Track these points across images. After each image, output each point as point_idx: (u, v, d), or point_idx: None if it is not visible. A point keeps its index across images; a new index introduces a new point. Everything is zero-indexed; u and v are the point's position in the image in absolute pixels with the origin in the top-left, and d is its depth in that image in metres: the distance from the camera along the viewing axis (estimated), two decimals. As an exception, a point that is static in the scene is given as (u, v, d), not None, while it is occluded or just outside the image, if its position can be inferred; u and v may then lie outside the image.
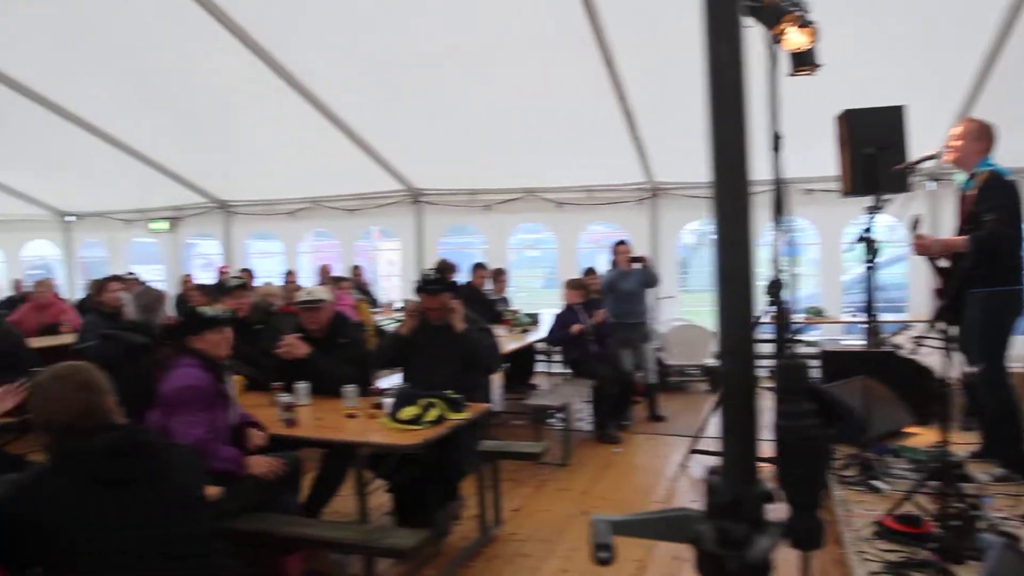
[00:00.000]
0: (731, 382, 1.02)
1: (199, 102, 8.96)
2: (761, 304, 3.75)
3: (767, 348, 5.81)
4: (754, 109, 1.07)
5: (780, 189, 2.80)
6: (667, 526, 1.22)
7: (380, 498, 4.81)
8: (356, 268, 11.07)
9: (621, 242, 7.86)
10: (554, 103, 7.98)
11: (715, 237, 0.99)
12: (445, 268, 8.26)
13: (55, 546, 2.09)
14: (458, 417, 4.10)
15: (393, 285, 14.53)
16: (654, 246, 9.71)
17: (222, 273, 11.59)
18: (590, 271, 7.96)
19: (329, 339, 4.72)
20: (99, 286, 7.03)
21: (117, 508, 2.15)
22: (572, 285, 7.29)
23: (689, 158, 8.68)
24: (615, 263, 7.71)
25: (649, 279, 7.66)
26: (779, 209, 2.77)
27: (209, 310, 3.77)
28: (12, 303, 9.71)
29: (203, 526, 2.35)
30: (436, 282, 4.87)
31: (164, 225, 12.58)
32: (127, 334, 4.02)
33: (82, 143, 9.85)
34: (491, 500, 4.83)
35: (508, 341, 7.33)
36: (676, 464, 6.14)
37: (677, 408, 8.11)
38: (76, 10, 7.14)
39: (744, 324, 1.01)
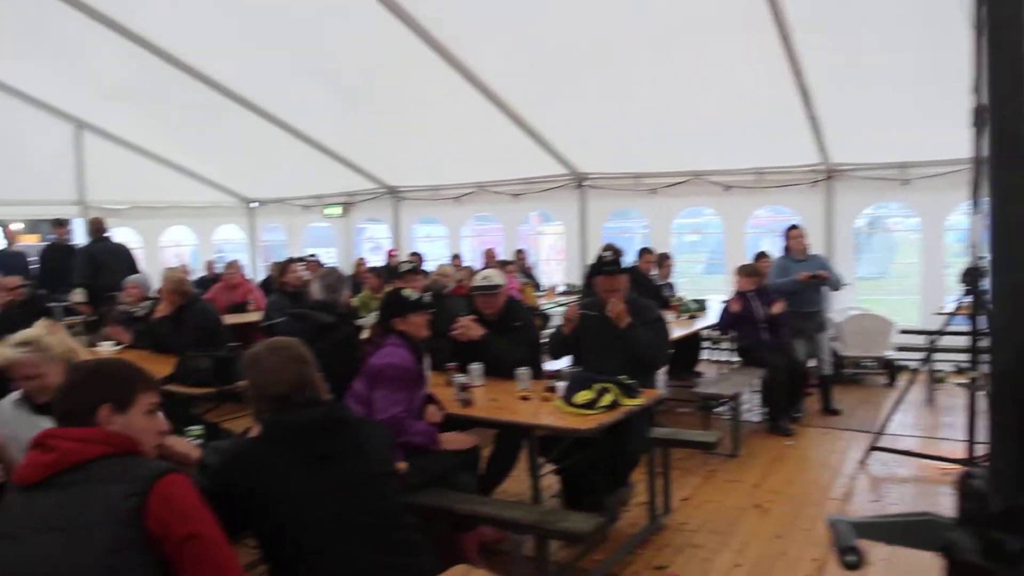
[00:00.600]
0: (1006, 380, 0.92)
1: (372, 92, 9.34)
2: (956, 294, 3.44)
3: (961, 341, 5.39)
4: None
5: (979, 168, 2.55)
6: (910, 531, 1.12)
7: (547, 480, 4.85)
8: (520, 252, 11.20)
9: (794, 227, 7.49)
10: (725, 82, 7.73)
11: (992, 220, 0.89)
12: (616, 252, 8.18)
13: (264, 514, 2.22)
14: (632, 403, 4.05)
15: (554, 269, 14.63)
16: (828, 231, 9.23)
17: (391, 256, 12.06)
18: (762, 256, 7.65)
19: (502, 322, 4.78)
20: (282, 268, 7.46)
21: (321, 481, 2.26)
22: (744, 271, 7.02)
23: (870, 138, 8.32)
24: (788, 249, 7.37)
25: (832, 283, 7.22)
26: (977, 190, 2.52)
27: (413, 293, 3.92)
28: (205, 283, 10.48)
29: (396, 500, 2.44)
30: (615, 263, 4.79)
31: (337, 210, 13.22)
32: (315, 313, 4.23)
33: (265, 134, 10.52)
34: (661, 488, 4.76)
35: (675, 327, 7.18)
36: (854, 461, 5.83)
37: (853, 402, 7.69)
38: (264, 9, 7.60)
39: (1020, 317, 0.91)
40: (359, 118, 10.24)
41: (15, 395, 3.00)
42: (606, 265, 4.77)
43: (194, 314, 6.16)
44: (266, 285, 10.62)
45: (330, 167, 11.68)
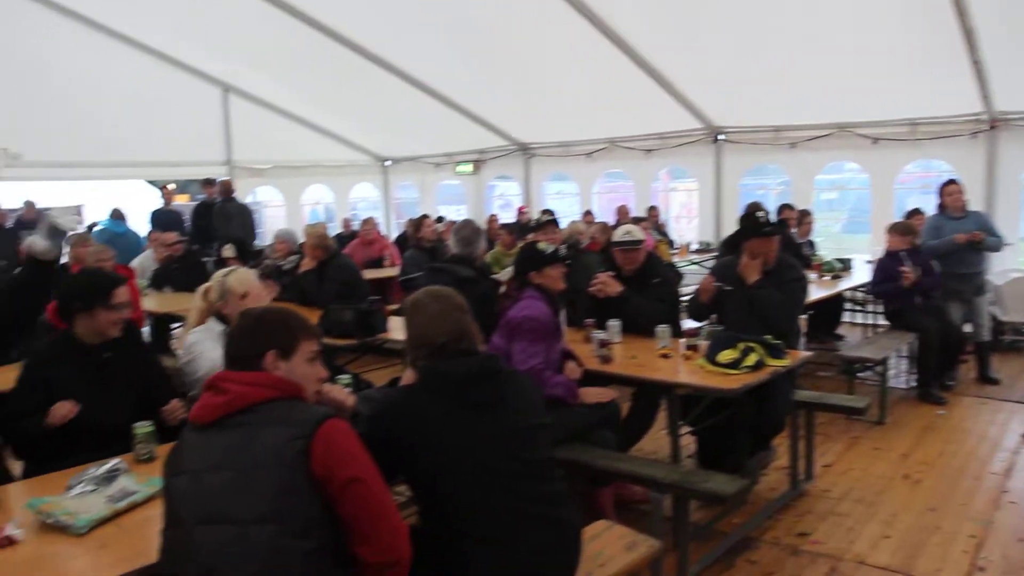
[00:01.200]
0: None
1: (505, 48, 9.31)
2: None
3: None
4: None
5: None
6: None
7: (682, 440, 4.77)
8: (652, 209, 10.97)
9: (951, 182, 6.94)
10: (875, 25, 7.22)
11: None
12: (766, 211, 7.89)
13: (418, 461, 2.26)
14: (778, 364, 3.91)
15: (684, 227, 14.32)
16: (989, 187, 8.54)
17: (521, 213, 12.10)
18: (915, 212, 7.18)
19: (641, 278, 4.70)
20: (418, 223, 7.58)
21: (474, 430, 2.28)
22: (897, 229, 6.59)
23: (1041, 83, 7.60)
24: (943, 206, 6.85)
25: (992, 245, 6.66)
26: None
27: (549, 246, 3.90)
28: (342, 240, 10.81)
29: (547, 452, 2.44)
30: (774, 225, 4.60)
31: (469, 168, 13.34)
32: (453, 267, 4.28)
33: (400, 93, 10.69)
34: (803, 453, 4.60)
35: (817, 287, 6.88)
36: (1016, 434, 5.44)
37: (1013, 371, 7.17)
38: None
39: None
40: (492, 75, 10.24)
41: (215, 325, 3.36)
42: (764, 226, 4.56)
43: (335, 268, 6.39)
44: (401, 241, 10.89)
45: (462, 124, 11.78)
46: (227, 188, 10.73)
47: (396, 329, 5.38)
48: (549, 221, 5.57)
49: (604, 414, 3.83)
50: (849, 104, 8.86)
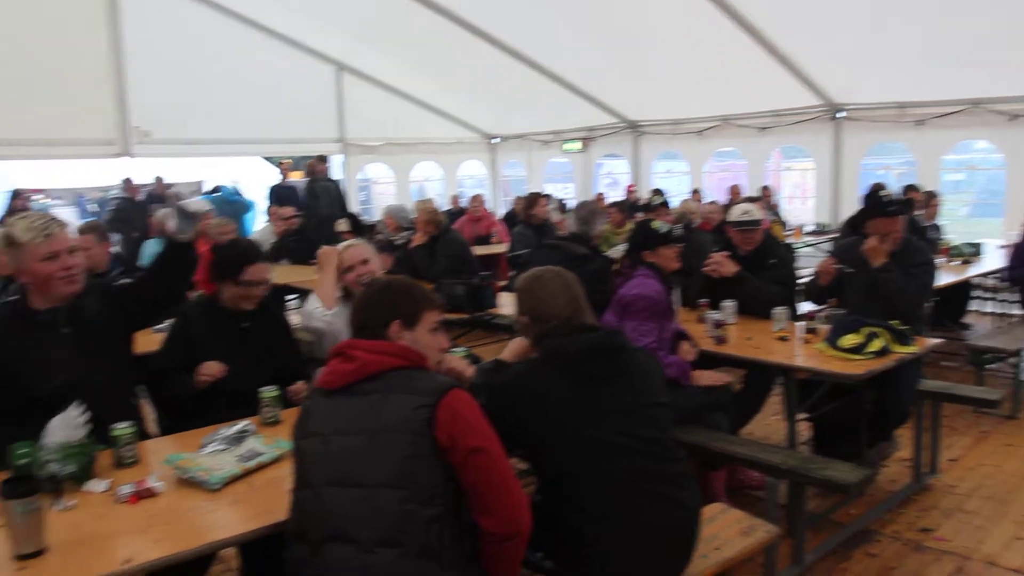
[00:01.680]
0: None
1: (615, 23, 9.15)
2: None
3: None
4: None
5: None
6: None
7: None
8: (765, 188, 10.64)
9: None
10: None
11: None
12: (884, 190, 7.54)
13: (539, 435, 2.27)
14: (905, 351, 3.73)
15: (798, 208, 13.83)
16: None
17: (630, 192, 11.96)
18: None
19: (757, 259, 4.56)
20: (531, 201, 7.57)
21: (596, 405, 2.27)
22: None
23: None
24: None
25: None
26: None
27: (664, 226, 3.84)
28: (451, 216, 10.91)
29: (669, 431, 2.41)
30: (899, 204, 4.38)
31: (576, 145, 13.26)
32: (568, 244, 4.26)
33: (509, 70, 10.71)
34: (928, 445, 4.39)
35: (944, 273, 6.52)
36: None
37: None
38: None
39: None
40: (602, 51, 10.11)
41: (338, 292, 3.45)
42: (889, 205, 4.34)
43: (446, 243, 6.48)
44: (508, 219, 10.94)
45: (571, 102, 11.70)
46: (312, 168, 11.11)
47: (506, 304, 5.42)
48: (661, 203, 5.47)
49: (717, 397, 3.75)
50: (983, 78, 8.32)
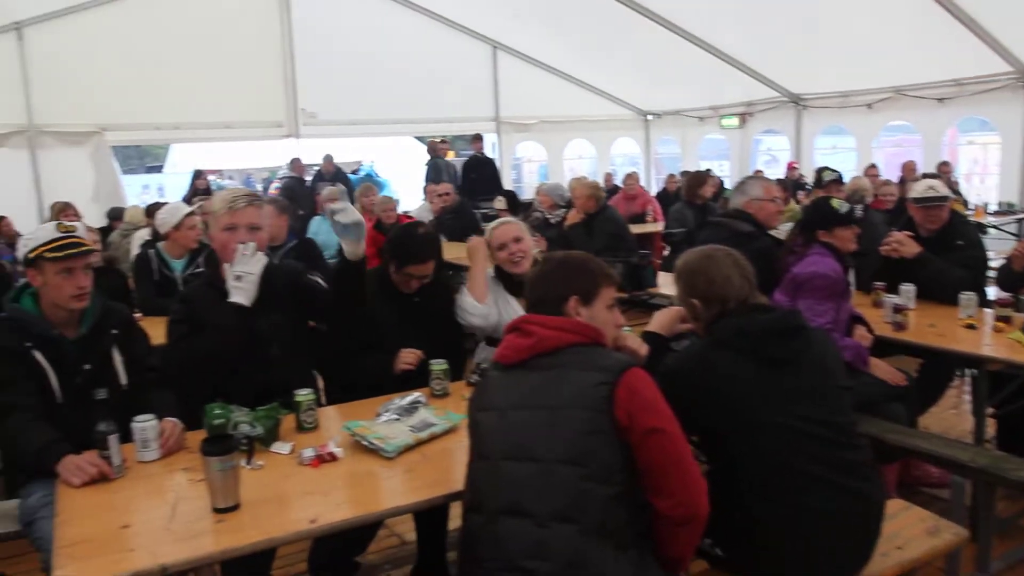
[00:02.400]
0: None
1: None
2: None
3: None
4: None
5: None
6: None
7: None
8: (944, 164, 9.87)
9: None
10: None
11: None
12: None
13: (715, 417, 2.21)
14: (1119, 344, 3.37)
15: (976, 187, 12.84)
16: None
17: (791, 169, 11.46)
18: None
19: (942, 240, 4.23)
20: (699, 179, 7.37)
21: (775, 386, 2.18)
22: None
23: None
24: None
25: None
26: None
27: (843, 205, 3.64)
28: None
29: (850, 416, 2.29)
30: None
31: (734, 121, 12.82)
32: (732, 222, 4.10)
33: (665, 44, 10.48)
34: None
35: None
36: None
37: None
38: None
39: None
40: (762, 21, 9.68)
41: (491, 272, 3.45)
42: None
43: (604, 221, 6.43)
44: (661, 197, 10.75)
45: (729, 75, 11.32)
46: (432, 148, 11.48)
47: (665, 284, 5.32)
48: (833, 180, 5.16)
49: (898, 388, 3.53)
50: None
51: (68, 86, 9.84)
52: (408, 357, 3.13)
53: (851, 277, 3.76)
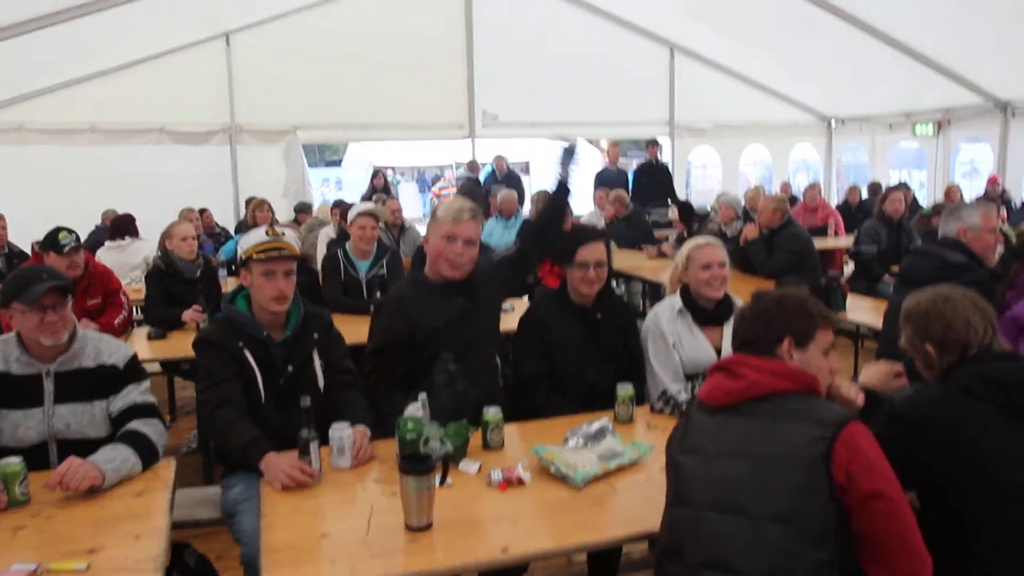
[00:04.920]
0: None
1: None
2: None
3: None
4: None
5: None
6: None
7: None
8: None
9: None
10: None
11: None
12: None
13: (943, 468, 2.02)
14: None
15: None
16: None
17: (991, 183, 10.53)
18: None
19: None
20: (883, 194, 6.92)
21: (1019, 441, 1.99)
22: None
23: None
24: None
25: None
26: None
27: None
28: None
29: None
30: None
31: (929, 129, 11.90)
32: (943, 251, 3.76)
33: (851, 44, 9.85)
34: None
35: None
36: None
37: None
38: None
39: None
40: (962, 17, 8.86)
41: (677, 302, 3.27)
42: None
43: (787, 237, 6.11)
44: (843, 209, 10.18)
45: (924, 77, 10.46)
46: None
47: (855, 308, 5.00)
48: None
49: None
50: None
51: (266, 88, 10.51)
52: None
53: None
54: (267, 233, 2.84)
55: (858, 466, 1.73)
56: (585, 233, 3.34)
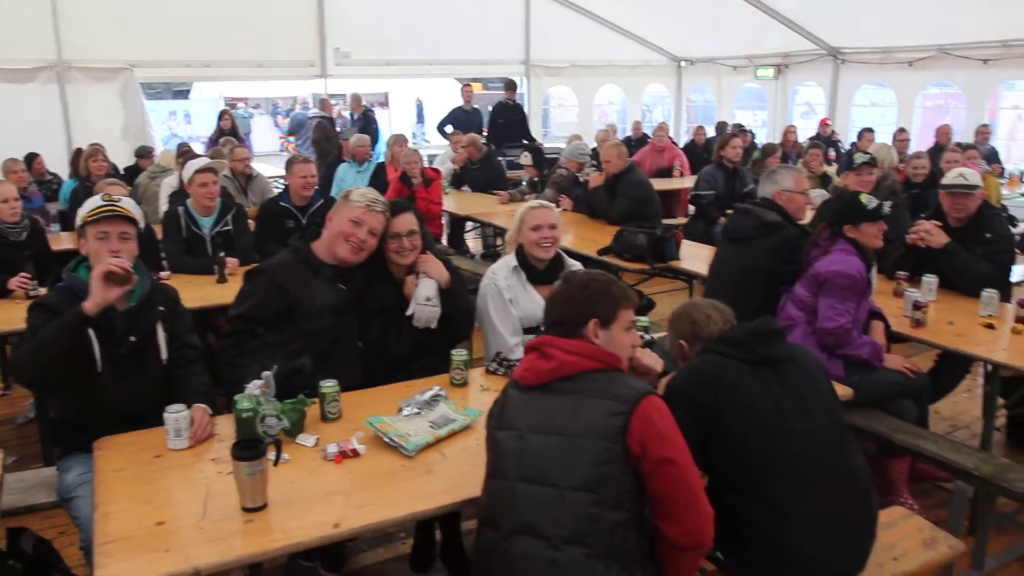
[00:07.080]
0: None
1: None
2: None
3: None
4: None
5: None
6: None
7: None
8: (983, 128, 9.53)
9: None
10: None
11: None
12: None
13: (723, 423, 2.28)
14: None
15: (1014, 153, 12.51)
16: None
17: (823, 126, 11.23)
18: None
19: (970, 231, 4.18)
20: (724, 141, 7.22)
21: (775, 389, 2.32)
22: None
23: None
24: None
25: None
26: None
27: (872, 201, 3.61)
28: (630, 144, 10.48)
29: (841, 419, 2.40)
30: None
31: (770, 73, 12.55)
32: (760, 210, 4.05)
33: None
34: None
35: None
36: None
37: None
38: None
39: None
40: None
41: (512, 260, 3.43)
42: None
43: (628, 184, 6.32)
44: (689, 148, 10.62)
45: (766, 24, 11.05)
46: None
47: (689, 257, 5.32)
48: (865, 163, 5.05)
49: (910, 383, 3.56)
50: None
51: (97, 21, 9.73)
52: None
53: (873, 273, 3.75)
54: (102, 198, 2.82)
55: (651, 437, 1.94)
56: (394, 205, 3.33)
